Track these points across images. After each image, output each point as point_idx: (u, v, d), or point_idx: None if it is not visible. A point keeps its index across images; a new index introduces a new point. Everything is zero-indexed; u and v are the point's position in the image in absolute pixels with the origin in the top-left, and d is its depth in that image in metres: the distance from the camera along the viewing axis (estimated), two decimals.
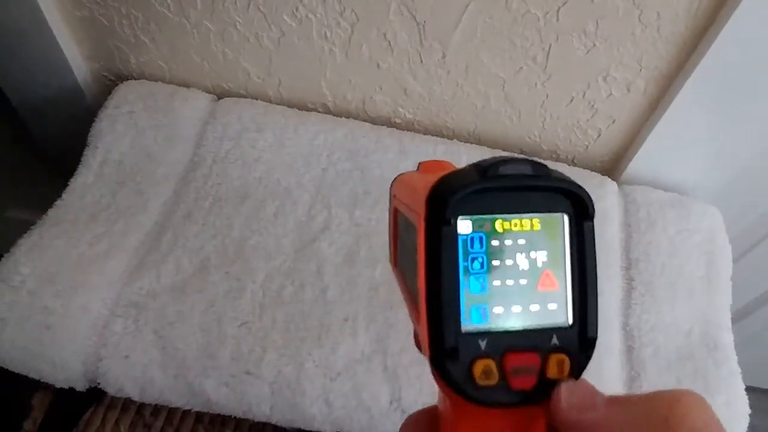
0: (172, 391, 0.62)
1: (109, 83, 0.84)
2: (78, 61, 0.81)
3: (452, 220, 0.26)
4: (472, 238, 0.27)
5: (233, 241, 0.69)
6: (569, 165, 0.83)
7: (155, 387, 0.62)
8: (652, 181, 0.82)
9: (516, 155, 0.26)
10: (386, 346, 0.63)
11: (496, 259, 0.27)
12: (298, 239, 0.70)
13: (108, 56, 0.81)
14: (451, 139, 0.81)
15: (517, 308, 0.27)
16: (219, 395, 0.62)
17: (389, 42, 0.73)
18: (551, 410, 0.26)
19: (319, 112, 0.82)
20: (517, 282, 0.27)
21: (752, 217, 0.92)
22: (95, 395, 0.70)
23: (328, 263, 0.68)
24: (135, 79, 0.82)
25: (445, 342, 0.26)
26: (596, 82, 0.74)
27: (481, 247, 0.27)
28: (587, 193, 0.28)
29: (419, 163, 0.36)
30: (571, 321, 0.28)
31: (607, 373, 0.66)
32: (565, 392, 0.26)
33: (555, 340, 0.27)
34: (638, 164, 0.81)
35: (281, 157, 0.76)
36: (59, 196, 0.71)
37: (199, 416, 0.72)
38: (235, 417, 0.66)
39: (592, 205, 0.27)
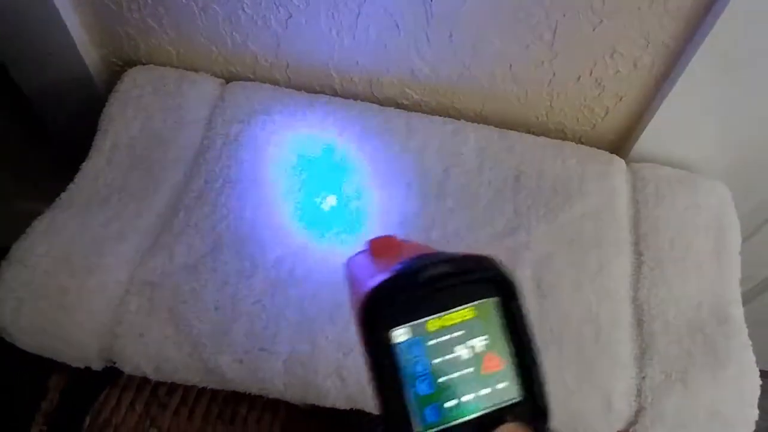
0: (187, 368, 0.63)
1: (118, 69, 0.85)
2: (87, 47, 0.81)
3: (385, 336, 0.28)
4: (409, 345, 0.28)
5: (245, 222, 0.69)
6: (576, 143, 0.82)
7: (170, 364, 0.63)
8: (660, 158, 0.82)
9: (439, 254, 0.30)
10: None
11: (436, 358, 0.28)
12: (309, 220, 0.70)
13: (117, 42, 0.82)
14: (459, 120, 0.81)
15: (468, 397, 0.28)
16: (233, 372, 0.62)
17: (396, 22, 0.74)
18: None
19: (326, 94, 0.83)
20: (463, 372, 0.29)
21: (761, 195, 0.92)
22: (110, 376, 0.71)
23: (340, 243, 0.69)
24: (143, 65, 0.82)
25: None
26: (603, 60, 0.74)
27: (420, 350, 0.28)
28: (510, 274, 0.30)
29: (368, 242, 0.37)
30: (521, 395, 0.29)
31: (617, 346, 0.67)
32: None
33: (509, 418, 0.29)
34: (646, 142, 0.81)
35: (290, 139, 0.76)
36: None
37: (214, 396, 0.73)
38: (248, 396, 0.67)
39: (518, 285, 0.30)
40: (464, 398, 0.29)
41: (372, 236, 0.38)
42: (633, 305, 0.70)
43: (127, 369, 0.64)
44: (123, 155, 0.74)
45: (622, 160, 0.80)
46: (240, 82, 0.81)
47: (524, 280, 0.68)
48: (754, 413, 0.66)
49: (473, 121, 0.82)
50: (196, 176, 0.73)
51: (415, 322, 0.29)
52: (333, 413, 0.66)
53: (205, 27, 0.78)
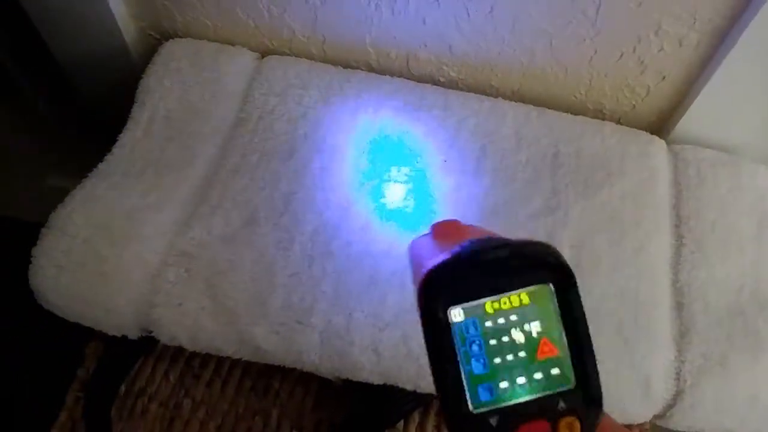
0: (223, 339, 0.63)
1: (155, 42, 0.85)
2: (125, 19, 0.81)
3: (443, 314, 0.29)
4: (466, 325, 0.29)
5: (281, 195, 0.69)
6: (616, 124, 0.81)
7: (206, 335, 0.63)
8: (702, 140, 0.80)
9: (497, 239, 0.31)
10: None
11: (492, 339, 0.30)
12: (344, 195, 0.70)
13: (154, 14, 0.81)
14: (496, 98, 0.80)
15: (521, 380, 0.29)
16: (269, 343, 0.62)
17: None
18: None
19: (362, 70, 0.82)
20: (517, 355, 0.30)
21: None
22: (146, 346, 0.72)
23: (375, 217, 0.69)
24: (180, 38, 0.82)
25: (457, 425, 0.29)
26: (647, 37, 0.73)
27: (476, 330, 0.29)
28: (566, 261, 0.30)
29: (432, 225, 0.39)
30: (574, 382, 0.30)
31: (656, 328, 0.66)
32: None
33: (562, 404, 0.29)
34: (688, 123, 0.79)
35: (327, 114, 0.76)
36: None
37: (246, 369, 0.73)
38: (281, 369, 0.67)
39: (574, 275, 0.30)
40: (518, 380, 0.29)
41: (436, 220, 0.39)
42: (673, 287, 0.69)
43: (164, 338, 0.64)
44: (160, 127, 0.74)
45: (663, 141, 0.79)
46: (277, 56, 0.81)
47: None
48: None
49: (510, 100, 0.81)
50: (233, 149, 0.73)
51: (472, 302, 0.30)
52: (365, 388, 0.66)
53: (243, 0, 0.77)
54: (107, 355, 0.70)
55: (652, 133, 0.81)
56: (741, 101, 0.76)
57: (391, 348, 0.62)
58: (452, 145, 0.75)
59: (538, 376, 0.30)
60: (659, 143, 0.78)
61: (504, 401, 0.29)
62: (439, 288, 0.29)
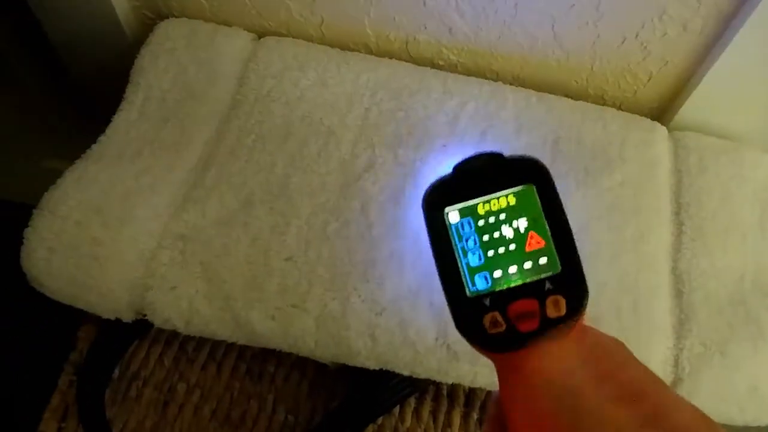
0: (218, 322, 0.62)
1: (149, 22, 0.83)
2: None
3: (438, 213, 0.35)
4: (461, 224, 0.35)
5: (277, 178, 0.68)
6: (617, 110, 0.80)
7: (201, 318, 0.62)
8: (704, 127, 0.79)
9: (484, 152, 0.37)
10: (433, 282, 0.62)
11: (485, 234, 0.35)
12: (341, 177, 0.69)
13: None
14: (496, 82, 0.79)
15: (512, 269, 0.34)
16: (264, 328, 0.62)
17: None
18: None
19: (360, 52, 0.81)
20: (508, 248, 0.34)
21: None
22: (140, 329, 0.71)
23: (373, 201, 0.68)
24: (175, 18, 0.81)
25: (457, 307, 0.34)
26: (651, 21, 0.72)
27: (471, 228, 0.35)
28: (542, 162, 0.36)
29: None
30: (560, 268, 0.34)
31: (655, 316, 0.65)
32: None
33: (549, 286, 0.33)
34: (690, 110, 0.78)
35: (324, 96, 0.74)
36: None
37: (241, 353, 0.73)
38: (276, 354, 0.67)
39: (549, 173, 0.35)
40: (510, 269, 0.34)
41: None
42: (672, 275, 0.68)
43: (158, 322, 0.63)
44: (155, 108, 0.73)
45: (665, 128, 0.78)
46: (273, 37, 0.79)
47: None
48: None
49: (511, 84, 0.80)
50: (229, 131, 0.71)
51: (463, 204, 0.35)
52: (361, 373, 0.66)
53: None
54: (100, 339, 0.69)
55: (653, 120, 0.80)
56: (745, 88, 0.75)
57: (387, 333, 0.61)
58: (452, 130, 0.74)
59: (527, 265, 0.34)
60: (661, 130, 0.77)
61: (498, 287, 0.34)
62: (436, 195, 0.35)
